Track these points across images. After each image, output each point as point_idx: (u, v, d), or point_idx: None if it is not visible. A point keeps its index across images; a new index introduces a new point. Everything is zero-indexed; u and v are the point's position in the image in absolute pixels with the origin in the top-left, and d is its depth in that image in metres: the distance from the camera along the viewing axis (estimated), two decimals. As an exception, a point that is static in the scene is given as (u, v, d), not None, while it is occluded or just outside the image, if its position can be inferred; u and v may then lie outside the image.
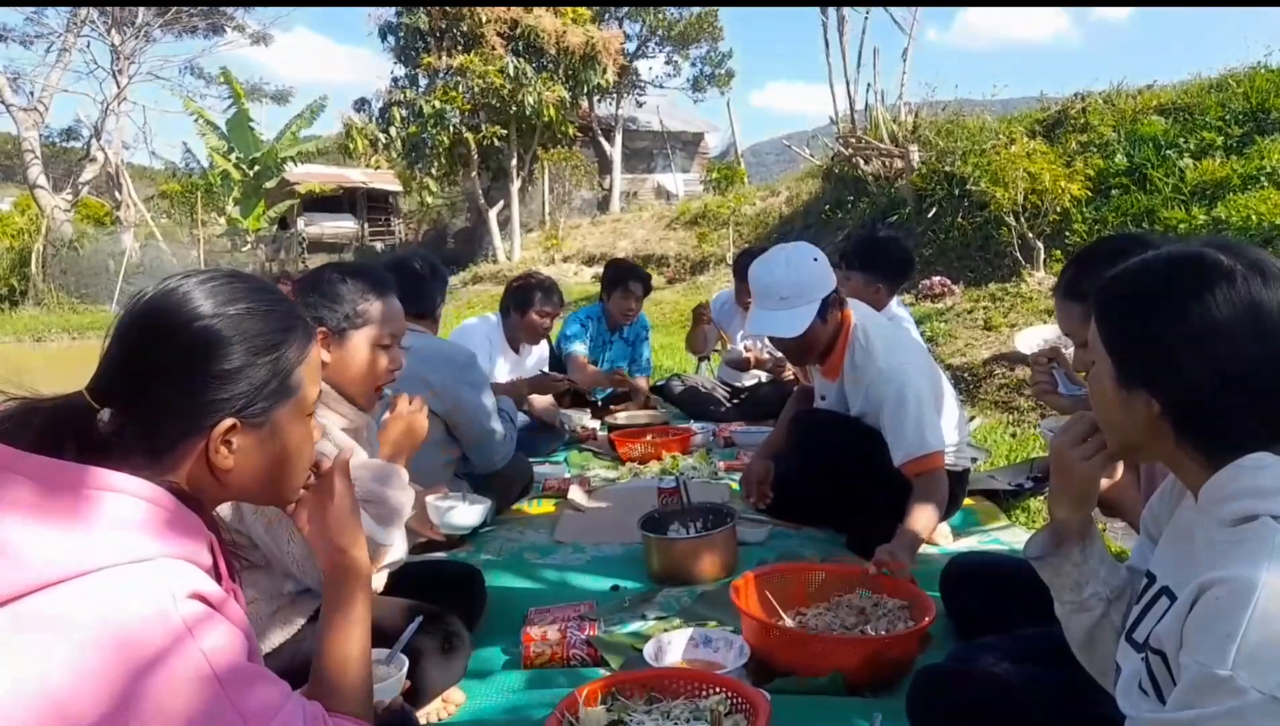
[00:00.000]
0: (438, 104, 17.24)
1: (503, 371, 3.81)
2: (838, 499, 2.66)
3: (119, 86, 22.15)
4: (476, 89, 17.14)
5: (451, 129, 17.52)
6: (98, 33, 22.10)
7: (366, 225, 27.34)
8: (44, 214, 19.96)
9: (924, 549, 2.30)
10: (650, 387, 4.70)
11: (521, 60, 17.28)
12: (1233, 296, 0.89)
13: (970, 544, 2.66)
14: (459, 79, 17.40)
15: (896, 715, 1.50)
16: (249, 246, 23.05)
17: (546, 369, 4.16)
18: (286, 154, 22.70)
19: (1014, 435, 4.07)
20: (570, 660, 1.92)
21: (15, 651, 0.71)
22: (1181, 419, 0.93)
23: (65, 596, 0.74)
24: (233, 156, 22.48)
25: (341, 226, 26.59)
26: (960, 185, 8.44)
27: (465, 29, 17.33)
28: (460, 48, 17.48)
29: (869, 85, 10.26)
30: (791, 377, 4.02)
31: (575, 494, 3.13)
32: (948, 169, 8.86)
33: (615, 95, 21.24)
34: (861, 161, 10.41)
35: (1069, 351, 2.03)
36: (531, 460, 3.48)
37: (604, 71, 18.27)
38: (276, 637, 1.56)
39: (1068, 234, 6.89)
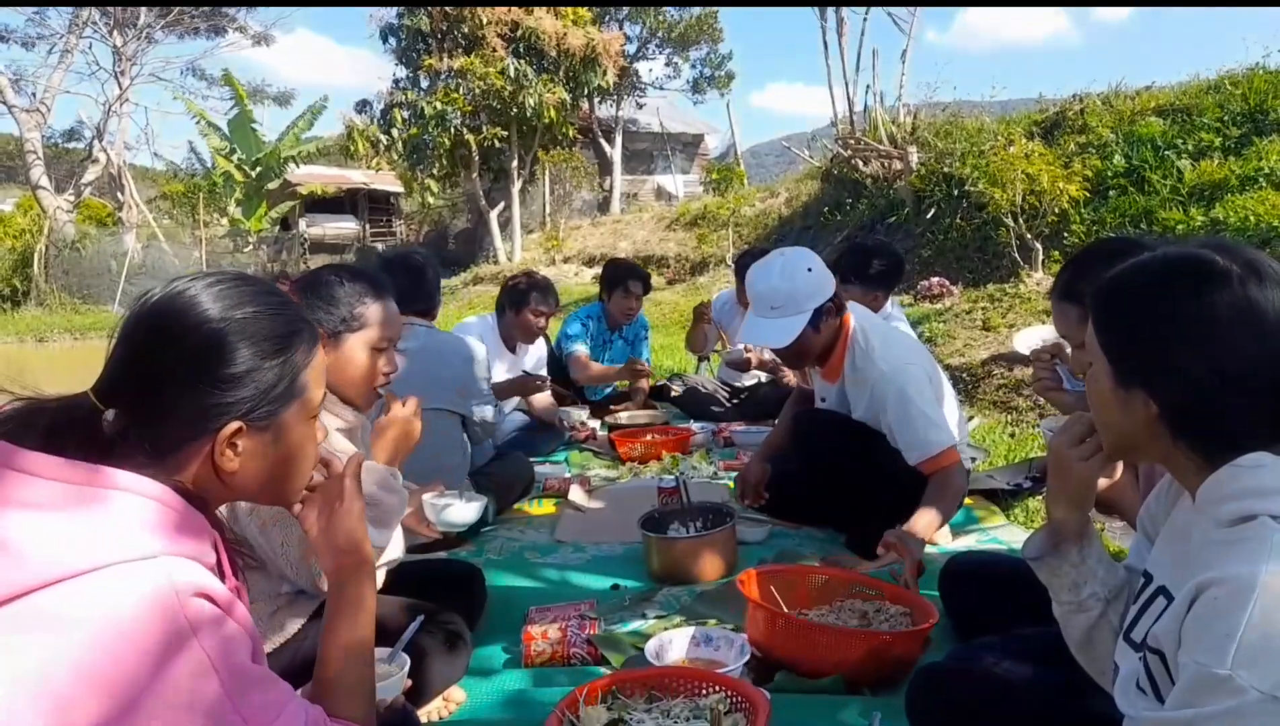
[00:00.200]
0: (439, 105, 17.23)
1: (499, 371, 3.82)
2: (838, 499, 2.66)
3: (121, 88, 22.17)
4: (477, 90, 17.13)
5: (452, 130, 17.51)
6: (99, 34, 22.13)
7: (368, 226, 27.34)
8: (46, 215, 19.98)
9: (925, 549, 2.31)
10: (650, 388, 4.70)
11: (522, 62, 17.27)
12: (1229, 296, 0.89)
13: (969, 543, 2.67)
14: (460, 81, 17.39)
15: (896, 714, 1.51)
16: (251, 247, 23.05)
17: (545, 369, 4.17)
18: (288, 155, 22.72)
19: (1013, 435, 4.07)
20: (571, 659, 1.92)
21: (16, 650, 0.71)
22: (1179, 419, 0.94)
23: (67, 594, 0.74)
24: (235, 157, 22.50)
25: (343, 227, 26.58)
26: (959, 186, 8.45)
27: (466, 31, 17.32)
28: (461, 49, 17.47)
29: (868, 87, 10.27)
30: (791, 380, 4.02)
31: (575, 494, 3.14)
32: (946, 170, 8.86)
33: (615, 97, 21.24)
34: (860, 162, 10.41)
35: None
36: (532, 460, 3.49)
37: (604, 73, 18.25)
38: (276, 638, 1.56)
39: (1066, 235, 6.90)
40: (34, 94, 21.28)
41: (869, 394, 2.42)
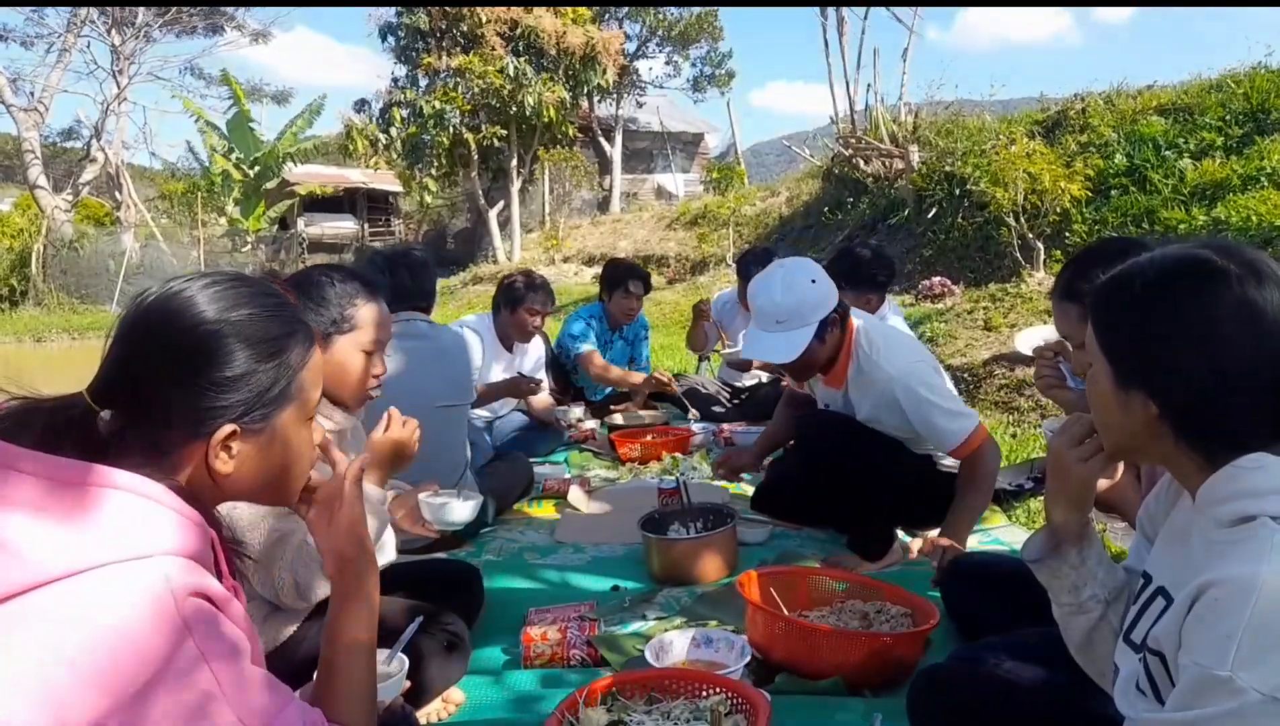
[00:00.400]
0: (438, 104, 17.24)
1: (496, 370, 3.80)
2: (839, 500, 2.65)
3: (119, 87, 22.15)
4: (476, 89, 17.14)
5: (451, 129, 17.52)
6: (98, 33, 22.11)
7: (366, 226, 27.35)
8: (44, 214, 19.98)
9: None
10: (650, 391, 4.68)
11: (521, 61, 17.28)
12: (1229, 296, 0.89)
13: (970, 544, 2.65)
14: (459, 79, 17.40)
15: (896, 715, 1.50)
16: (249, 247, 23.05)
17: (545, 369, 4.15)
18: (287, 154, 22.72)
19: (1014, 435, 4.07)
20: (570, 660, 1.92)
21: (13, 649, 0.71)
22: (1180, 420, 0.93)
23: (64, 594, 0.74)
24: (233, 157, 22.50)
25: (341, 227, 26.59)
26: (960, 185, 8.44)
27: (465, 29, 17.34)
28: (460, 48, 17.48)
29: (869, 85, 10.28)
30: (788, 381, 4.01)
31: (575, 496, 3.13)
32: (948, 169, 8.85)
33: (615, 96, 21.24)
34: (861, 162, 10.41)
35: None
36: (531, 460, 3.48)
37: (604, 72, 18.26)
38: (273, 639, 1.56)
39: (1067, 234, 6.89)
40: (32, 93, 21.29)
41: (874, 397, 2.41)
